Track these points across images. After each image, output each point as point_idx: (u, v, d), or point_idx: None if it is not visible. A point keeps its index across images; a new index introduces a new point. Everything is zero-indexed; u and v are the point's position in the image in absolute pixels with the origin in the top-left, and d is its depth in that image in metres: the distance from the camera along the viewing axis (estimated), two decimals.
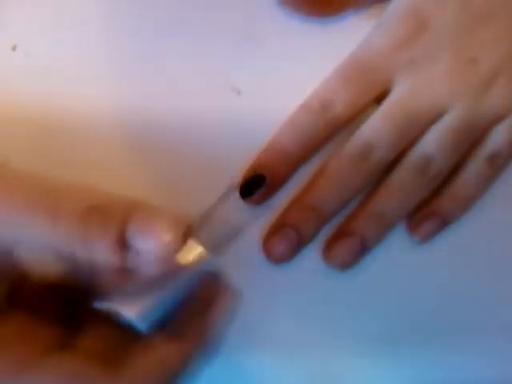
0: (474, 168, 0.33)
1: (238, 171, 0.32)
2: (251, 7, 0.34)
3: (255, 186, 0.31)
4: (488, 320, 0.34)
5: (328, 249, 0.33)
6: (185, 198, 0.32)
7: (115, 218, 0.22)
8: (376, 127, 0.32)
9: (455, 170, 0.33)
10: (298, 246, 0.32)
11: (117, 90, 0.34)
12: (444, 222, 0.33)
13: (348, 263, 0.32)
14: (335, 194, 0.32)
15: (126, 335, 0.23)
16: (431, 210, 0.33)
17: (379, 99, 0.33)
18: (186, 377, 0.23)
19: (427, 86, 0.32)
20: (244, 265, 0.33)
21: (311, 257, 0.33)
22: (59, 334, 0.23)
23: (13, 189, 0.22)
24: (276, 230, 0.32)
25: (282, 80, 0.34)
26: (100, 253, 0.21)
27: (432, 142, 0.32)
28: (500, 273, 0.34)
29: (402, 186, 0.32)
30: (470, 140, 0.33)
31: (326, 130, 0.32)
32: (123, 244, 0.22)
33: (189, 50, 0.34)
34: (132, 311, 0.22)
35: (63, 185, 0.22)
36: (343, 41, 0.33)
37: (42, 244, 0.21)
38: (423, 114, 0.32)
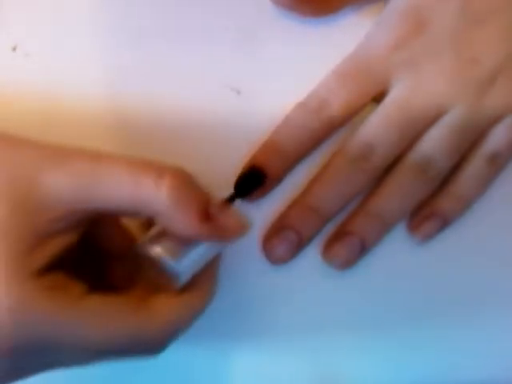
0: (474, 168, 0.33)
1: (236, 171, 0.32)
2: (251, 7, 0.34)
3: (251, 182, 0.31)
4: (489, 319, 0.34)
5: (328, 248, 0.33)
6: None
7: (201, 192, 0.25)
8: (375, 127, 0.32)
9: (455, 169, 0.33)
10: (298, 247, 0.32)
11: (116, 90, 0.34)
12: (444, 222, 0.33)
13: (347, 263, 0.33)
14: (335, 195, 0.32)
15: (159, 279, 0.26)
16: (432, 210, 0.33)
17: (379, 99, 0.33)
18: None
19: (427, 86, 0.32)
20: (244, 265, 0.33)
21: (311, 257, 0.33)
22: (89, 280, 0.25)
23: (116, 158, 0.24)
24: (276, 230, 0.32)
25: (281, 80, 0.34)
26: (184, 220, 0.24)
27: (432, 143, 0.32)
28: (501, 272, 0.34)
29: (401, 186, 0.32)
30: (469, 140, 0.32)
31: (322, 128, 0.32)
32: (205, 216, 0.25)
33: (189, 50, 0.34)
34: (177, 262, 0.26)
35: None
36: (343, 41, 0.33)
37: (129, 206, 0.24)
38: (423, 114, 0.32)
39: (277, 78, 0.34)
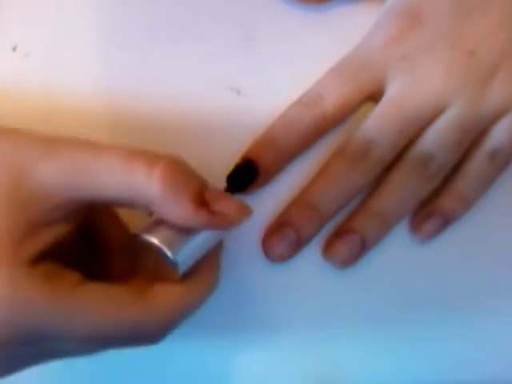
0: (476, 165, 0.32)
1: None
2: (251, 7, 0.34)
3: (243, 176, 0.31)
4: (490, 318, 0.33)
5: (328, 246, 0.33)
6: None
7: (196, 179, 0.25)
8: (375, 126, 0.32)
9: (457, 167, 0.33)
10: (298, 245, 0.32)
11: (116, 90, 0.34)
12: (446, 221, 0.33)
13: (348, 261, 0.32)
14: (335, 194, 0.32)
15: (159, 270, 0.26)
16: (433, 208, 0.33)
17: (377, 99, 0.32)
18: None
19: (424, 82, 0.32)
20: (243, 262, 0.33)
21: (311, 254, 0.33)
22: (89, 272, 0.25)
23: (110, 147, 0.24)
24: (276, 229, 0.32)
25: (281, 80, 0.34)
26: (178, 207, 0.24)
27: (432, 140, 0.32)
28: (503, 271, 0.34)
29: (402, 184, 0.32)
30: (471, 137, 0.32)
31: (315, 124, 0.32)
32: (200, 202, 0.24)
33: (188, 49, 0.34)
34: (175, 251, 0.25)
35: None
36: (343, 41, 0.33)
37: (123, 194, 0.24)
38: (422, 112, 0.31)
39: (277, 78, 0.34)
